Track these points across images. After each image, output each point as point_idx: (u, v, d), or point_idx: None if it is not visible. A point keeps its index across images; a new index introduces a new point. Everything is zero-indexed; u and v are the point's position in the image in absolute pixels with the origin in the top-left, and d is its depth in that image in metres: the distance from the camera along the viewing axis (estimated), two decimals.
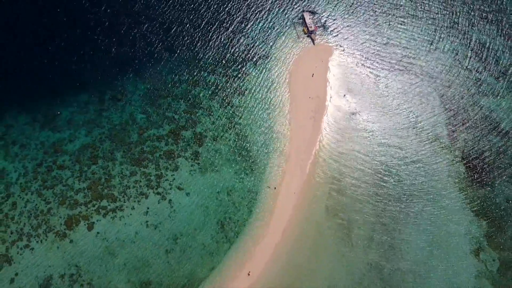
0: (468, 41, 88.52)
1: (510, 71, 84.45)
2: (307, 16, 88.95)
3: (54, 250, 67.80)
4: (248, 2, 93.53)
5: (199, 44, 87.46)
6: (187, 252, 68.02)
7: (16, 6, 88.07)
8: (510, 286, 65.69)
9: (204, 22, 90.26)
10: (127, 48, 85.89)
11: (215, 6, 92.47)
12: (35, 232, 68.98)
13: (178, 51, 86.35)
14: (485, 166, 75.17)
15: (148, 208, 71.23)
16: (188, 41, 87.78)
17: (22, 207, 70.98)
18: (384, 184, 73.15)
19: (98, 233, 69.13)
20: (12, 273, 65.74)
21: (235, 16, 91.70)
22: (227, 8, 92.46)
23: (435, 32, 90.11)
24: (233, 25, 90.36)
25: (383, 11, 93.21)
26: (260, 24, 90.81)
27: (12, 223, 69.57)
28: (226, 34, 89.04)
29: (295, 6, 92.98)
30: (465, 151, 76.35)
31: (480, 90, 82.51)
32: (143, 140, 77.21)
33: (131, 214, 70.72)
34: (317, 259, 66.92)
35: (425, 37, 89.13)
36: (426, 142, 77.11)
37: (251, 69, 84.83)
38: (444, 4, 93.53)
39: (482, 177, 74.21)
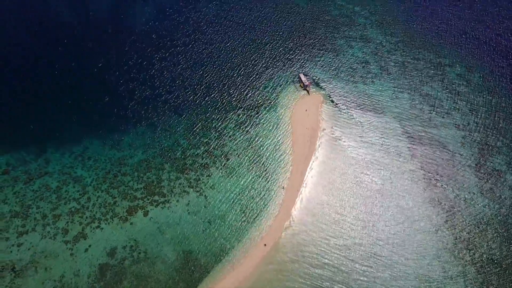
0: (421, 91, 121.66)
1: (450, 111, 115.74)
2: (302, 76, 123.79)
3: (118, 230, 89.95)
4: (261, 69, 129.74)
5: (227, 95, 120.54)
6: (219, 231, 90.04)
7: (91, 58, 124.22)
8: (464, 254, 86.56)
9: (231, 83, 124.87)
10: (176, 97, 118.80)
11: (243, 74, 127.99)
12: (104, 217, 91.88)
13: (212, 99, 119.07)
14: (438, 172, 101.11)
15: (189, 201, 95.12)
16: (220, 94, 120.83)
17: (94, 201, 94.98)
18: (362, 185, 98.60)
19: (151, 218, 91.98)
20: (87, 245, 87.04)
21: (253, 78, 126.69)
22: (249, 74, 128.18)
23: (396, 86, 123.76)
24: (251, 84, 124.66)
25: (359, 73, 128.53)
26: (270, 83, 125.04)
27: (86, 211, 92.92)
28: (246, 89, 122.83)
29: (293, 70, 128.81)
30: (422, 163, 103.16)
31: (431, 123, 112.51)
32: (185, 156, 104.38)
33: (176, 205, 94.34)
34: (319, 233, 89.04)
35: (390, 89, 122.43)
36: (393, 156, 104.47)
37: (263, 111, 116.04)
38: (401, 68, 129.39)
39: (437, 180, 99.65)
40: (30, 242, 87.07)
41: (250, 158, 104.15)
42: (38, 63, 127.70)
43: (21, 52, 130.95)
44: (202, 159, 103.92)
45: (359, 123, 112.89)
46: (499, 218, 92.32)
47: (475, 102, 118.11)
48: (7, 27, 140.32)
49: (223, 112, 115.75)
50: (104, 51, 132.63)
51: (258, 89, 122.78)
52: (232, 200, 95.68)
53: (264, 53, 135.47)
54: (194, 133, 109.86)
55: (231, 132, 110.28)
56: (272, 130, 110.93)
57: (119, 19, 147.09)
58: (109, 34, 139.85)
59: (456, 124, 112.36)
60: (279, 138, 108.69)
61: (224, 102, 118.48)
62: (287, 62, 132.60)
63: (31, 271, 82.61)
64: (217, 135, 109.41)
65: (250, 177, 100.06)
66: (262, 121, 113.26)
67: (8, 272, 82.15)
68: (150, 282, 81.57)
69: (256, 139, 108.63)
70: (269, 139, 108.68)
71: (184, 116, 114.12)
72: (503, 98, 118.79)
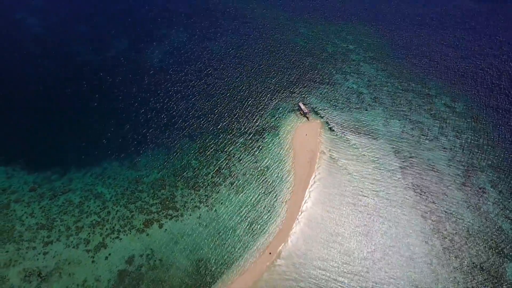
0: (410, 118, 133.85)
1: (437, 136, 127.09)
2: (301, 105, 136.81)
3: (135, 240, 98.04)
4: (266, 100, 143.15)
5: (236, 122, 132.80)
6: (228, 241, 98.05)
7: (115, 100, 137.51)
8: (452, 262, 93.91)
9: (240, 112, 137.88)
10: (189, 125, 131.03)
11: (250, 104, 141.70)
12: (122, 229, 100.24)
13: (223, 126, 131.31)
14: (428, 190, 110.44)
15: (200, 215, 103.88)
16: (230, 122, 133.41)
17: (114, 214, 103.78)
18: (358, 201, 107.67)
19: (166, 229, 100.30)
20: (107, 254, 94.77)
21: (258, 107, 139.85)
22: (255, 104, 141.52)
23: (388, 114, 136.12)
24: (257, 112, 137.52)
25: (354, 103, 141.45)
26: (273, 111, 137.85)
27: (107, 223, 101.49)
28: (252, 117, 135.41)
29: (295, 101, 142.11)
30: (413, 182, 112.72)
31: (421, 146, 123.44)
32: (196, 175, 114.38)
33: (188, 218, 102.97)
34: (319, 243, 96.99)
35: (382, 117, 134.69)
36: (386, 176, 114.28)
37: (268, 136, 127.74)
38: (392, 98, 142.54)
39: (427, 197, 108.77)
40: (55, 251, 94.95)
41: (256, 177, 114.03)
42: (66, 96, 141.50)
43: (51, 88, 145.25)
44: (212, 178, 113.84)
45: (354, 146, 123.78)
46: (485, 230, 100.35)
47: (460, 127, 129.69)
48: (40, 66, 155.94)
49: (232, 137, 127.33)
50: (126, 85, 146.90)
51: (263, 117, 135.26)
52: (239, 214, 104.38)
53: (269, 86, 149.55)
54: (205, 156, 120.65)
55: (238, 154, 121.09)
56: (276, 153, 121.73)
57: (138, 57, 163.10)
58: (129, 70, 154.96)
59: (443, 147, 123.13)
60: (282, 160, 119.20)
61: (233, 129, 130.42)
62: (289, 94, 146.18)
63: (56, 276, 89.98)
64: (226, 157, 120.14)
65: (256, 194, 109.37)
66: (266, 144, 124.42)
67: (35, 277, 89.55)
68: (165, 287, 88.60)
69: (261, 160, 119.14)
70: (273, 160, 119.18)
71: (196, 140, 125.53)
72: (486, 124, 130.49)
